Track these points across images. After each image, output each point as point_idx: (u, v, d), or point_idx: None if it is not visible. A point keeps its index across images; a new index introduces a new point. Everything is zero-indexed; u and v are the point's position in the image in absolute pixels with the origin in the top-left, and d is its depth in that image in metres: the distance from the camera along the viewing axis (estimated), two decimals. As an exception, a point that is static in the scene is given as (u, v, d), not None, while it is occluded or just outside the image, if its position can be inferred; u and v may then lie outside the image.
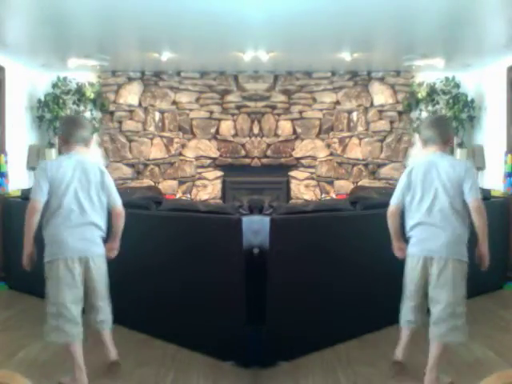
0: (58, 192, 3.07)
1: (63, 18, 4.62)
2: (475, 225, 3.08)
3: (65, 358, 3.25)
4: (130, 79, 7.62)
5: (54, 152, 6.98)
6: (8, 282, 5.38)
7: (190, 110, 7.69)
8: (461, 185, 3.06)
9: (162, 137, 7.69)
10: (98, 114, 7.46)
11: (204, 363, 3.51)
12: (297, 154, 7.72)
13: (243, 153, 7.68)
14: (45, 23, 4.79)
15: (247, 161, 7.68)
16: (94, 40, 5.76)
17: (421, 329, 3.24)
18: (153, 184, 7.65)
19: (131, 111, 7.64)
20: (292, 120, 7.70)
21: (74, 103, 7.21)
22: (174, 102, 7.68)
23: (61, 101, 7.11)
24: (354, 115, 7.68)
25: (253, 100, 7.57)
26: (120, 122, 7.64)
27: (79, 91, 7.23)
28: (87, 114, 7.22)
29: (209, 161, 7.75)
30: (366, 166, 7.70)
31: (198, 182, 7.77)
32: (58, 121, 6.53)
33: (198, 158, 7.73)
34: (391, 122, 7.64)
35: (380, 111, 7.65)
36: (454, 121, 6.87)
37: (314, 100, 7.69)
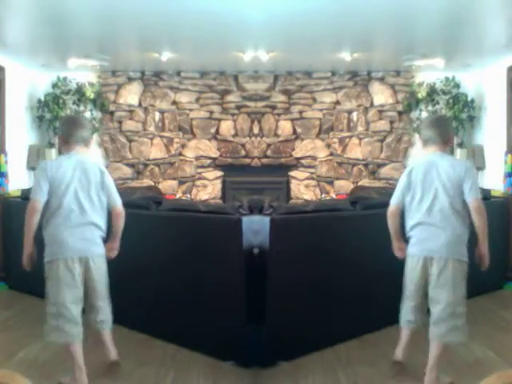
0: (58, 192, 3.07)
1: (63, 17, 4.62)
2: (475, 225, 3.08)
3: (65, 358, 3.25)
4: (130, 79, 7.62)
5: (53, 152, 6.97)
6: (8, 282, 5.38)
7: (190, 109, 7.69)
8: (461, 185, 3.06)
9: (161, 137, 7.69)
10: (98, 114, 7.46)
11: (204, 363, 3.51)
12: (297, 153, 7.72)
13: (243, 153, 7.68)
14: (45, 23, 4.79)
15: (247, 161, 7.67)
16: (94, 40, 5.75)
17: (421, 329, 3.24)
18: (153, 184, 7.65)
19: (131, 111, 7.64)
20: (292, 120, 7.70)
21: (73, 103, 7.21)
22: (174, 102, 7.68)
23: (61, 101, 7.11)
24: (354, 115, 7.68)
25: (253, 100, 7.57)
26: (120, 122, 7.64)
27: (79, 91, 7.23)
28: (87, 114, 7.22)
29: (209, 161, 7.75)
30: (365, 166, 7.70)
31: (198, 182, 7.77)
32: (58, 121, 6.53)
33: (197, 158, 7.73)
34: (391, 122, 7.64)
35: (380, 111, 7.65)
36: (454, 121, 6.87)
37: (314, 100, 7.69)
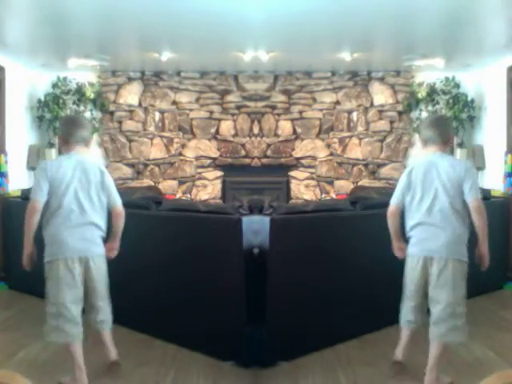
0: (58, 192, 3.07)
1: (63, 17, 4.62)
2: (475, 225, 3.08)
3: (65, 358, 3.25)
4: (130, 79, 7.62)
5: (53, 152, 6.98)
6: (8, 282, 5.38)
7: (190, 110, 7.69)
8: (461, 185, 3.06)
9: (161, 137, 7.69)
10: (98, 114, 7.46)
11: (204, 363, 3.51)
12: (297, 153, 7.72)
13: (243, 153, 7.68)
14: (45, 23, 4.79)
15: (247, 161, 7.67)
16: (93, 40, 5.75)
17: (421, 329, 3.24)
18: (153, 184, 7.65)
19: (131, 111, 7.64)
20: (292, 120, 7.70)
21: (73, 103, 7.21)
22: (174, 102, 7.68)
23: (61, 101, 7.11)
24: (354, 115, 7.68)
25: (253, 100, 7.57)
26: (120, 122, 7.64)
27: (79, 91, 7.23)
28: (87, 114, 7.22)
29: (209, 161, 7.75)
30: (366, 165, 7.70)
31: (198, 182, 7.77)
32: (58, 121, 6.53)
33: (198, 158, 7.73)
34: (391, 122, 7.64)
35: (380, 111, 7.65)
36: (454, 121, 6.87)
37: (314, 100, 7.69)
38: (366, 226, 3.97)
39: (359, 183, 7.70)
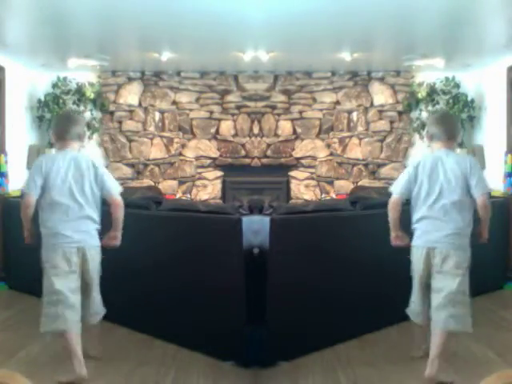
0: (53, 188, 3.14)
1: (63, 17, 4.61)
2: (480, 216, 3.19)
3: (65, 358, 3.24)
4: (130, 79, 7.61)
5: (53, 152, 6.96)
6: (8, 282, 5.38)
7: (190, 109, 7.69)
8: (466, 181, 3.15)
9: (162, 137, 7.69)
10: (98, 114, 7.45)
11: (204, 363, 3.51)
12: (297, 153, 7.71)
13: (243, 153, 7.68)
14: (45, 23, 4.79)
15: (247, 161, 7.67)
16: (94, 40, 5.75)
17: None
18: (153, 184, 7.65)
19: (131, 111, 7.63)
20: (292, 120, 7.69)
21: (74, 103, 7.20)
22: (174, 102, 7.67)
23: (61, 101, 7.10)
24: (354, 115, 7.68)
25: (253, 100, 7.57)
26: (120, 122, 7.63)
27: (79, 91, 7.22)
28: (87, 114, 7.21)
29: (209, 161, 7.74)
30: (366, 165, 7.70)
31: (198, 182, 7.77)
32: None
33: (198, 158, 7.73)
34: (391, 122, 7.63)
35: (380, 111, 7.64)
36: (454, 120, 6.87)
37: (314, 100, 7.68)
38: (366, 226, 3.97)
39: (359, 183, 7.70)
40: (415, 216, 3.26)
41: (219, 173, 7.74)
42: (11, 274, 5.32)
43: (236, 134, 7.66)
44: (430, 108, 7.27)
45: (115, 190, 3.32)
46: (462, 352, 3.57)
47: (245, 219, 3.54)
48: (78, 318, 3.15)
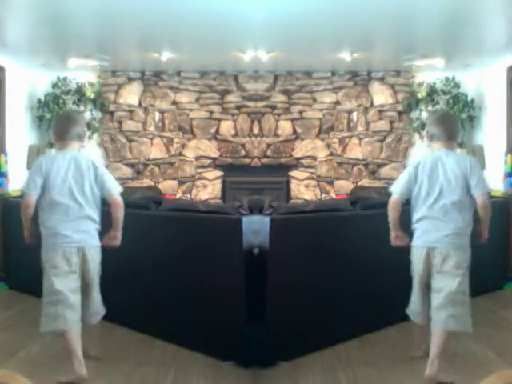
0: (53, 188, 3.15)
1: (63, 17, 4.61)
2: (480, 216, 3.20)
3: (65, 358, 3.24)
4: (130, 79, 7.61)
5: (53, 152, 6.96)
6: (8, 282, 5.38)
7: (190, 110, 7.69)
8: (466, 181, 3.16)
9: (162, 137, 7.69)
10: (98, 114, 7.45)
11: (204, 363, 3.51)
12: (297, 153, 7.71)
13: (243, 153, 7.68)
14: (45, 23, 4.79)
15: (247, 161, 7.67)
16: (94, 40, 5.75)
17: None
18: (153, 184, 7.65)
19: (131, 111, 7.63)
20: (292, 120, 7.69)
21: (74, 103, 7.20)
22: (174, 102, 7.67)
23: (61, 101, 7.10)
24: (354, 115, 7.68)
25: (253, 100, 7.57)
26: (120, 122, 7.63)
27: (79, 91, 7.22)
28: (87, 114, 7.21)
29: (209, 161, 7.74)
30: (366, 165, 7.70)
31: (198, 182, 7.77)
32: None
33: (198, 158, 7.73)
34: (391, 122, 7.63)
35: (380, 111, 7.64)
36: (454, 120, 6.87)
37: (314, 100, 7.68)
38: (366, 226, 3.97)
39: (359, 183, 7.70)
40: (415, 216, 3.27)
41: (219, 173, 7.74)
42: (11, 274, 5.32)
43: (236, 134, 7.66)
44: (430, 108, 7.27)
45: (115, 190, 3.33)
46: (462, 352, 3.57)
47: (245, 219, 3.54)
48: (78, 317, 3.15)
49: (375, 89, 7.63)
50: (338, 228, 3.86)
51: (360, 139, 7.67)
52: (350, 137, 7.67)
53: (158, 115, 7.67)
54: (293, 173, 7.75)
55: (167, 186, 7.69)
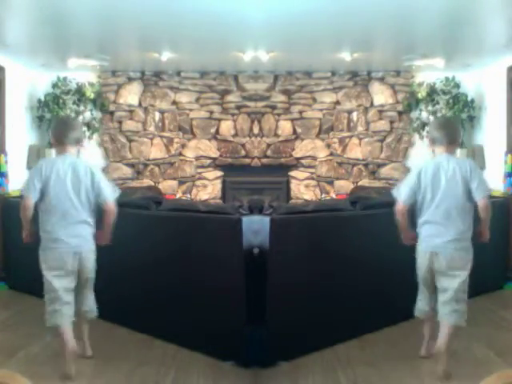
0: (52, 192, 3.21)
1: (63, 17, 4.61)
2: (480, 217, 3.27)
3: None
4: (130, 79, 7.61)
5: (53, 152, 6.96)
6: (8, 282, 5.38)
7: (190, 109, 7.69)
8: (467, 185, 3.22)
9: (162, 137, 7.69)
10: (98, 114, 7.45)
11: (204, 363, 3.51)
12: (297, 153, 7.71)
13: (243, 153, 7.68)
14: (45, 23, 4.79)
15: (247, 161, 7.67)
16: (93, 40, 5.75)
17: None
18: (153, 184, 7.65)
19: (131, 111, 7.63)
20: (292, 120, 7.69)
21: (74, 103, 7.19)
22: (174, 102, 7.67)
23: (61, 101, 7.09)
24: (354, 115, 7.68)
25: (253, 100, 7.57)
26: (120, 122, 7.63)
27: (79, 91, 7.21)
28: (87, 114, 7.21)
29: (209, 161, 7.74)
30: (365, 165, 7.70)
31: (198, 182, 7.77)
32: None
33: (198, 158, 7.73)
34: (391, 122, 7.63)
35: (380, 111, 7.64)
36: (454, 121, 6.88)
37: (314, 100, 7.68)
38: (366, 226, 3.97)
39: (359, 183, 7.70)
40: (419, 221, 3.35)
41: (219, 173, 7.74)
42: (11, 274, 5.32)
43: (236, 134, 7.66)
44: (429, 108, 7.26)
45: (110, 197, 3.38)
46: (462, 352, 3.57)
47: (245, 219, 3.54)
48: (72, 312, 3.27)
49: (375, 89, 7.63)
50: (338, 228, 3.86)
51: (360, 139, 7.67)
52: (350, 137, 7.67)
53: (158, 115, 7.67)
54: (293, 173, 7.75)
55: (167, 186, 7.69)
